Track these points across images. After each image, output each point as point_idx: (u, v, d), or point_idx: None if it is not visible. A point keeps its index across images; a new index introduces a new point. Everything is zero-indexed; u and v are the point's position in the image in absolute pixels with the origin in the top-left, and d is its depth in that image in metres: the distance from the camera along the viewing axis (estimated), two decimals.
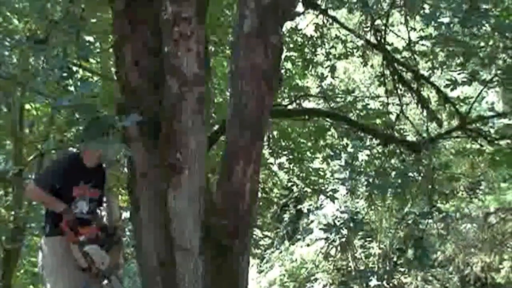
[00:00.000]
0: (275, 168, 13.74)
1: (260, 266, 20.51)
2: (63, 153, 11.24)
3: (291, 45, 11.34)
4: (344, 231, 10.18)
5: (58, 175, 6.51)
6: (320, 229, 12.50)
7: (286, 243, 20.40)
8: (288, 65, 11.82)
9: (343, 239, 16.39)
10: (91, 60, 11.33)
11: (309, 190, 14.23)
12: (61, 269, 6.47)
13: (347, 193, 12.77)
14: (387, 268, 17.24)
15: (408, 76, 10.31)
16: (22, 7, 8.87)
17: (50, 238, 6.55)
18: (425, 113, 10.21)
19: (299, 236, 20.40)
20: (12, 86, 9.50)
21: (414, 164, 9.92)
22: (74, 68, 6.59)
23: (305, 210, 20.14)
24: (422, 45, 10.10)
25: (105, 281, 6.49)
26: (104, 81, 11.13)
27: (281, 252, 20.27)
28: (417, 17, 9.59)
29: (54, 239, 6.49)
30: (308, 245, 19.90)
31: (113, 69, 11.60)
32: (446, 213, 10.96)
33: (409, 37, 9.91)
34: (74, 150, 6.88)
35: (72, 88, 6.20)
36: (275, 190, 17.01)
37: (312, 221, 19.88)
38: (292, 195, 18.84)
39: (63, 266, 6.43)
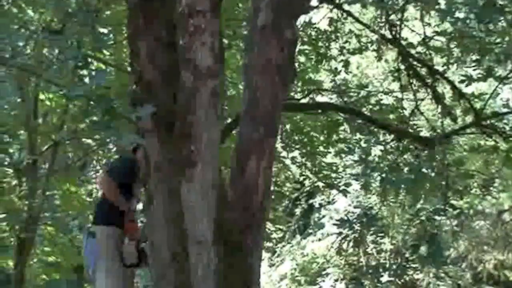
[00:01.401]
0: (287, 161, 13.74)
1: (271, 260, 20.50)
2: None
3: (305, 39, 11.32)
4: (357, 226, 10.17)
5: (124, 173, 6.84)
6: (333, 224, 12.52)
7: (298, 237, 20.37)
8: (302, 59, 11.80)
9: (356, 235, 16.37)
10: (105, 51, 11.36)
11: (321, 184, 14.23)
12: (111, 261, 6.71)
13: (360, 189, 12.74)
14: (399, 264, 17.18)
15: (423, 71, 10.28)
16: None
17: (103, 227, 6.78)
18: (439, 109, 10.19)
19: (310, 231, 20.37)
20: (26, 76, 9.53)
21: (428, 160, 9.90)
22: (89, 59, 6.57)
23: (317, 205, 20.12)
24: (437, 40, 10.07)
25: None
26: (118, 72, 11.14)
27: (292, 246, 20.24)
28: (432, 12, 9.56)
29: (108, 228, 6.75)
30: (319, 239, 19.87)
31: (126, 61, 11.68)
32: (460, 209, 10.95)
33: (424, 32, 9.88)
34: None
35: (86, 79, 6.22)
36: (287, 184, 17.00)
37: (323, 216, 19.87)
38: (304, 189, 18.81)
39: (114, 258, 6.70)
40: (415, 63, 10.20)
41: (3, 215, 12.24)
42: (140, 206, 7.07)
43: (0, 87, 6.60)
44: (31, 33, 7.02)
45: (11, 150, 12.17)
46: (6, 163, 12.10)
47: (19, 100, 11.24)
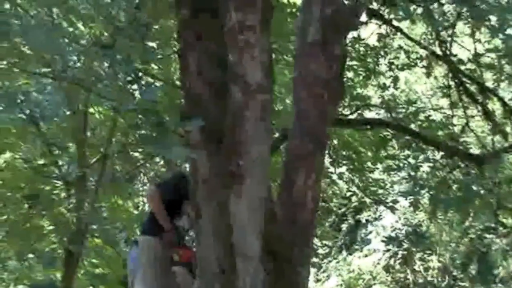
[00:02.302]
0: (335, 177, 13.71)
1: (317, 275, 20.43)
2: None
3: (354, 55, 11.30)
4: (406, 244, 10.10)
5: (171, 190, 6.92)
6: (381, 241, 12.44)
7: (344, 253, 20.30)
8: (350, 74, 11.78)
9: (405, 252, 16.26)
10: (153, 66, 11.45)
11: (368, 200, 14.17)
12: (149, 270, 6.74)
13: (409, 206, 12.65)
14: (448, 282, 17.02)
15: (473, 88, 10.20)
16: (87, 12, 8.99)
17: (147, 237, 6.85)
18: (490, 126, 10.09)
19: (357, 247, 20.28)
20: (77, 90, 9.64)
21: (478, 178, 9.80)
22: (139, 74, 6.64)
23: (364, 221, 20.03)
24: (488, 57, 9.98)
25: None
26: (166, 86, 11.22)
27: (338, 262, 20.17)
28: (483, 29, 9.48)
29: (150, 239, 6.80)
30: (366, 255, 19.77)
31: (175, 76, 11.75)
32: (510, 228, 10.81)
33: (475, 49, 9.80)
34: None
35: (137, 93, 6.27)
36: (334, 200, 16.96)
37: (370, 232, 19.77)
38: (351, 205, 18.75)
39: (151, 267, 6.71)
40: (465, 79, 10.12)
41: (52, 227, 12.38)
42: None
43: (51, 100, 6.68)
44: (82, 47, 7.10)
45: (60, 163, 12.30)
46: (55, 175, 12.22)
47: (68, 113, 11.35)
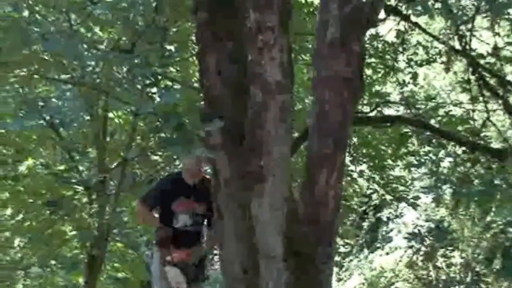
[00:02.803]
0: (355, 175, 13.68)
1: (339, 275, 20.40)
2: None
3: (372, 52, 11.26)
4: (428, 240, 10.06)
5: (154, 195, 7.06)
6: (404, 237, 12.39)
7: (365, 251, 20.26)
8: (369, 71, 11.74)
9: (427, 248, 16.20)
10: (172, 68, 11.46)
11: (389, 197, 14.13)
12: (159, 280, 6.94)
13: (432, 202, 12.61)
14: (470, 278, 16.94)
15: (493, 82, 10.15)
16: (105, 18, 9.01)
17: (155, 248, 7.04)
18: (511, 120, 10.04)
19: (378, 245, 20.23)
20: (96, 94, 9.67)
21: (500, 172, 9.74)
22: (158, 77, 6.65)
23: (385, 218, 19.99)
24: (508, 50, 9.93)
25: None
26: (185, 89, 11.22)
27: (360, 260, 20.14)
28: (502, 22, 9.44)
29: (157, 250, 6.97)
30: (387, 253, 19.73)
31: (194, 78, 11.75)
32: None
33: (495, 43, 9.75)
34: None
35: (156, 96, 6.29)
36: (355, 198, 16.92)
37: (391, 229, 19.73)
38: (372, 203, 18.71)
39: (161, 276, 6.88)
40: (485, 73, 10.07)
41: (75, 233, 12.41)
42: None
43: (70, 106, 6.70)
44: (101, 52, 7.12)
45: (81, 168, 12.34)
46: (76, 181, 12.26)
47: (88, 118, 11.38)
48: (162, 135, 6.32)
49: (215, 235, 6.75)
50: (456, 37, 9.97)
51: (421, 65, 11.63)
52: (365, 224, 20.24)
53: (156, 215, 7.10)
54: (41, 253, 12.62)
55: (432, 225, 12.45)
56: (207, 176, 7.18)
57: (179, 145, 5.43)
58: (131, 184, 12.73)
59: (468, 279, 16.83)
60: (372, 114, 11.39)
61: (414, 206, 12.71)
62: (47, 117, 7.05)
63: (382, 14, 9.40)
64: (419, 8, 8.77)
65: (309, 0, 11.02)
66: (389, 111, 12.59)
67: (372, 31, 10.82)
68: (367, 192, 16.83)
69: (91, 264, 12.09)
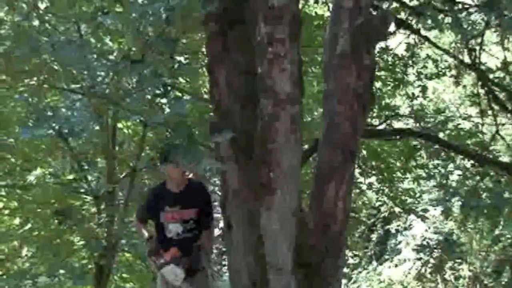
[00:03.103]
0: (364, 187, 13.67)
1: (348, 286, 20.35)
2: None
3: (382, 65, 11.27)
4: (437, 252, 10.04)
5: (143, 208, 7.27)
6: (413, 249, 12.37)
7: (374, 263, 20.21)
8: (378, 84, 11.74)
9: (437, 260, 16.17)
10: (181, 79, 11.47)
11: (397, 210, 14.11)
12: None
13: (441, 214, 12.60)
14: None
15: (502, 96, 10.15)
16: (115, 28, 9.03)
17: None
18: None
19: (387, 257, 20.19)
20: (106, 105, 9.68)
21: (509, 185, 9.74)
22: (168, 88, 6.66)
23: (394, 231, 19.95)
24: None
25: None
26: (194, 100, 11.24)
27: (368, 272, 20.08)
28: (511, 37, 9.45)
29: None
30: (396, 265, 19.68)
31: (203, 89, 11.77)
32: None
33: (504, 57, 9.76)
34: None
35: (166, 107, 6.29)
36: (364, 210, 16.91)
37: (400, 242, 19.68)
38: (380, 215, 18.69)
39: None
40: (494, 87, 10.07)
41: (83, 243, 12.41)
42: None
43: (80, 116, 6.71)
44: (111, 62, 7.13)
45: (89, 178, 12.34)
46: (85, 190, 12.26)
47: (97, 128, 11.38)
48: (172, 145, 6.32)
49: (212, 235, 6.79)
50: (465, 51, 9.98)
51: (430, 79, 11.64)
52: (374, 236, 20.20)
53: (150, 228, 7.18)
54: (49, 263, 12.61)
55: (441, 238, 12.43)
56: (194, 179, 7.20)
57: (187, 154, 5.41)
58: (139, 194, 12.71)
59: None
60: (382, 127, 11.39)
61: (423, 218, 12.68)
62: (56, 127, 7.05)
63: (392, 27, 9.42)
64: (429, 22, 8.78)
65: (319, 12, 11.06)
66: (398, 124, 12.60)
67: (382, 44, 10.85)
68: (376, 204, 16.83)
69: (99, 274, 12.07)
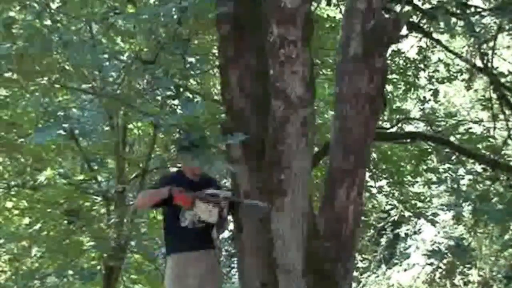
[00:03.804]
0: (374, 191, 13.63)
1: None
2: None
3: (393, 68, 11.24)
4: (448, 257, 10.01)
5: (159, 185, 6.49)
6: (423, 254, 12.34)
7: (383, 267, 20.16)
8: (390, 87, 11.72)
9: (447, 265, 16.14)
10: (192, 81, 11.46)
11: (407, 214, 14.07)
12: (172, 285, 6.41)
13: (452, 219, 12.57)
14: None
15: None
16: (126, 28, 9.02)
17: (168, 257, 6.49)
18: None
19: (396, 261, 20.14)
20: (117, 105, 9.68)
21: None
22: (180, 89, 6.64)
23: (403, 234, 19.90)
24: None
25: None
26: (206, 101, 11.23)
27: (377, 276, 20.04)
28: None
29: (171, 257, 6.44)
30: (405, 270, 19.64)
31: (214, 91, 11.76)
32: None
33: None
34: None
35: (178, 108, 6.28)
36: (373, 213, 16.86)
37: (409, 246, 19.64)
38: (390, 219, 18.64)
39: (175, 285, 6.38)
40: (506, 92, 10.04)
41: (92, 243, 12.41)
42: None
43: (90, 117, 6.70)
44: (123, 63, 7.12)
45: (100, 178, 12.35)
46: (95, 191, 12.27)
47: (107, 128, 11.38)
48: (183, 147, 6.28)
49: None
50: (478, 55, 9.95)
51: (442, 82, 11.63)
52: (383, 240, 20.15)
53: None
54: (58, 263, 12.61)
55: (451, 242, 12.41)
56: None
57: (199, 156, 5.40)
58: None
59: None
60: (393, 130, 11.36)
61: (433, 223, 12.64)
62: (67, 127, 7.02)
63: (404, 31, 9.40)
64: (442, 25, 8.76)
65: (331, 15, 11.04)
66: (409, 128, 12.57)
67: (394, 47, 10.82)
68: (385, 208, 16.77)
69: (108, 275, 12.06)
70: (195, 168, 6.42)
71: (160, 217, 13.28)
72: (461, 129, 11.73)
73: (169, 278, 6.42)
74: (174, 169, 10.65)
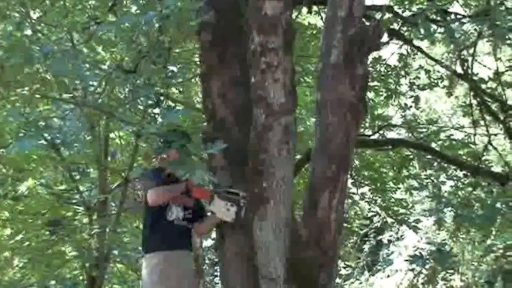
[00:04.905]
0: (356, 197, 13.66)
1: None
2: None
3: (375, 75, 11.28)
4: (430, 263, 10.04)
5: (150, 177, 6.45)
6: (405, 260, 12.37)
7: (366, 273, 20.20)
8: (371, 94, 11.76)
9: (430, 271, 16.17)
10: (174, 89, 11.46)
11: (390, 220, 14.11)
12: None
13: (433, 225, 12.62)
14: None
15: (494, 106, 10.18)
16: (107, 37, 9.02)
17: (148, 255, 6.39)
18: None
19: (379, 267, 20.19)
20: (98, 115, 9.65)
21: (501, 196, 9.74)
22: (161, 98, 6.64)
23: (386, 241, 19.96)
24: (509, 75, 9.97)
25: None
26: (187, 110, 11.22)
27: (361, 282, 20.08)
28: (503, 48, 9.47)
29: (153, 256, 6.35)
30: (388, 276, 19.68)
31: (196, 99, 11.76)
32: None
33: (496, 68, 9.78)
34: None
35: (158, 117, 6.27)
36: (356, 220, 16.90)
37: (392, 252, 19.69)
38: (373, 225, 18.69)
39: (161, 285, 6.25)
40: (486, 98, 10.10)
41: (75, 253, 12.36)
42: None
43: (72, 126, 6.67)
44: (104, 72, 7.10)
45: (81, 188, 12.30)
46: (77, 201, 12.22)
47: (89, 138, 11.34)
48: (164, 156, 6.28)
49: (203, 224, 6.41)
50: (458, 62, 10.00)
51: (423, 89, 11.67)
52: (366, 247, 20.20)
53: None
54: (41, 274, 12.55)
55: (433, 248, 12.45)
56: None
57: (183, 165, 5.38)
58: (132, 204, 12.66)
59: None
60: (374, 137, 11.39)
61: (415, 229, 12.68)
62: (48, 137, 6.99)
63: (385, 38, 9.43)
64: (422, 32, 8.80)
65: (312, 22, 11.07)
66: (391, 134, 12.61)
67: (374, 54, 10.86)
68: (368, 215, 16.82)
69: (90, 285, 12.00)
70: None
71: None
72: (443, 135, 11.79)
73: (153, 275, 6.29)
74: None
